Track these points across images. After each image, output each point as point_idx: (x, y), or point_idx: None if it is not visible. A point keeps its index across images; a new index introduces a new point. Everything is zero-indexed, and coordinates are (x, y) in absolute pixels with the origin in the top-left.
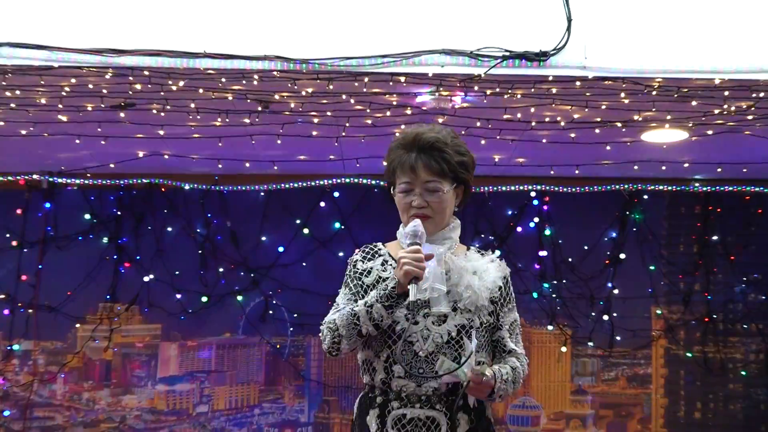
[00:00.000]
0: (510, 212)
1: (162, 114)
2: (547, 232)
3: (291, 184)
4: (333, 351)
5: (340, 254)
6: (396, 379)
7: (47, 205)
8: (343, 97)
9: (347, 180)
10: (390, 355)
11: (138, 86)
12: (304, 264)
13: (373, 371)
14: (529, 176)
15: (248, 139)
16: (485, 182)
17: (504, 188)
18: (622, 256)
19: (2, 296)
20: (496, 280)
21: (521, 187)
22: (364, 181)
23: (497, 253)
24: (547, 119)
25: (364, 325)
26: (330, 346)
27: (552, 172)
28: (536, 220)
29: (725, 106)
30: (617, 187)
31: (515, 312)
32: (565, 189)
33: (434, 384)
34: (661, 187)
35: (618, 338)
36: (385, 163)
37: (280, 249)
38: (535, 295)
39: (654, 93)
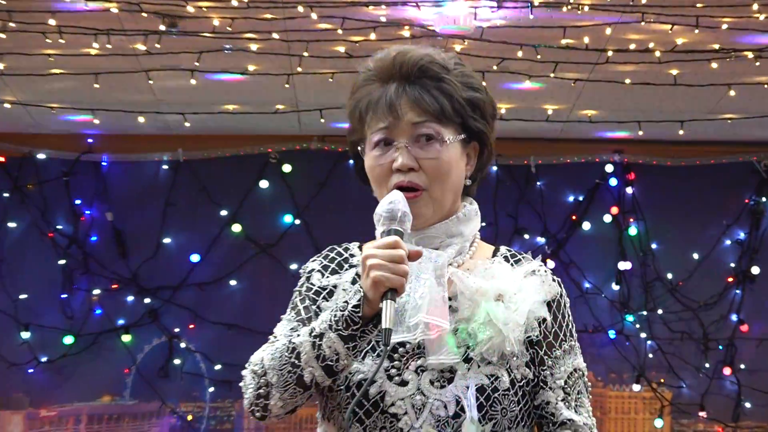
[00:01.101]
0: (571, 198)
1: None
2: (633, 230)
3: (213, 152)
4: (257, 409)
5: (293, 266)
6: None
7: None
8: (300, 9)
9: (304, 145)
10: None
11: None
12: (233, 282)
13: None
14: (604, 140)
15: (143, 77)
16: (532, 149)
17: (562, 159)
18: (755, 270)
19: None
20: (536, 306)
21: (590, 158)
22: (333, 146)
23: (541, 263)
24: (632, 46)
25: (308, 369)
26: (253, 402)
27: (640, 133)
28: (614, 211)
29: None
30: (747, 157)
31: (576, 357)
32: (661, 161)
33: None
34: None
35: (747, 405)
36: (347, 111)
37: (194, 258)
38: (612, 333)
39: None
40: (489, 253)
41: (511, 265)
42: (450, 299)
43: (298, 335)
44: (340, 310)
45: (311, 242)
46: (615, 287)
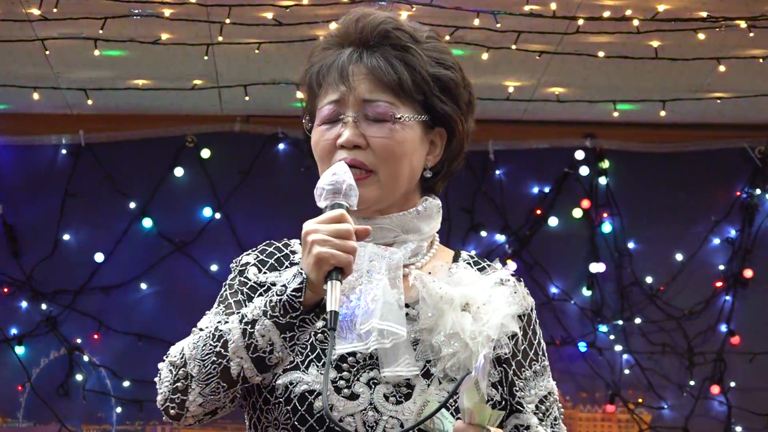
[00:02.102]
0: (536, 189)
1: None
2: (607, 227)
3: (119, 135)
4: (172, 406)
5: (213, 267)
6: None
7: None
8: None
9: (226, 127)
10: None
11: None
12: (143, 286)
13: None
14: (573, 122)
15: (37, 47)
16: (490, 133)
17: (525, 144)
18: (748, 273)
19: None
20: (507, 320)
21: (557, 143)
22: (260, 129)
23: (511, 267)
24: (606, 14)
25: (236, 359)
26: (167, 397)
27: (615, 115)
28: (585, 204)
29: None
30: (738, 143)
31: (549, 380)
32: (639, 147)
33: None
34: None
35: (738, 429)
36: (301, 80)
37: (99, 257)
38: (582, 346)
39: None
40: (449, 258)
41: (479, 270)
42: (407, 305)
43: (227, 323)
44: (277, 294)
45: (234, 240)
46: (586, 293)
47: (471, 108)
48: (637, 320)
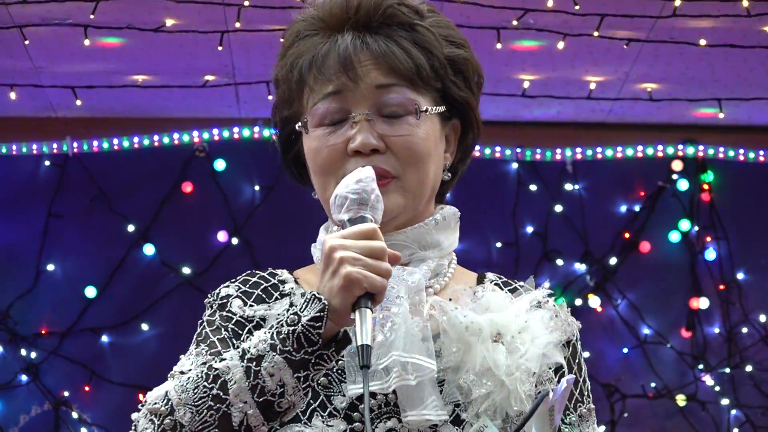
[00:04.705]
0: (623, 208)
1: None
2: (711, 254)
3: (115, 141)
4: None
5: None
6: None
7: None
8: None
9: (246, 132)
10: None
11: None
12: (144, 326)
13: None
14: (669, 125)
15: (15, 36)
16: (568, 139)
17: (610, 153)
18: None
19: None
20: (549, 349)
21: (650, 151)
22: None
23: (548, 291)
24: None
25: (238, 405)
26: None
27: (721, 116)
28: (684, 226)
29: None
30: None
31: (593, 426)
32: (751, 155)
33: None
34: None
35: None
36: (276, 77)
37: (90, 292)
38: (682, 399)
39: None
40: (472, 281)
41: (510, 292)
42: (430, 337)
43: (223, 360)
44: (289, 324)
45: (255, 269)
46: (685, 334)
47: (480, 91)
48: (748, 368)
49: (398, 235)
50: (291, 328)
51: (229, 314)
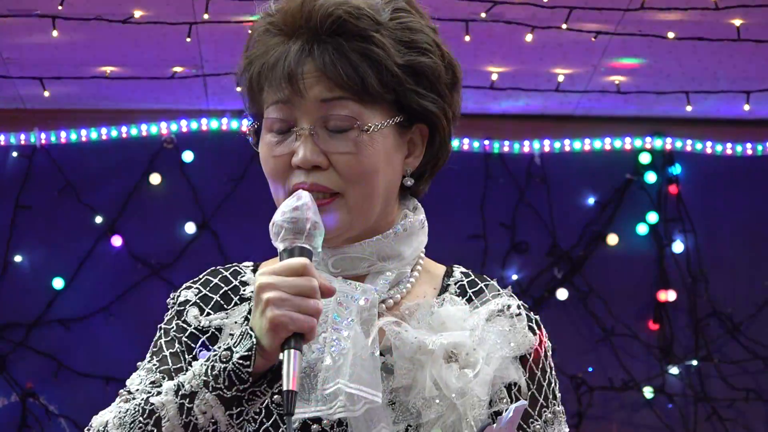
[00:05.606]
0: (591, 200)
1: None
2: (678, 246)
3: (83, 133)
4: None
5: None
6: None
7: None
8: None
9: (214, 124)
10: None
11: None
12: (112, 318)
13: None
14: (637, 118)
15: None
16: (536, 132)
17: (578, 146)
18: None
19: None
20: (504, 366)
21: (618, 143)
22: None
23: (511, 295)
24: None
25: None
26: None
27: (689, 109)
28: (652, 219)
29: None
30: None
31: (562, 426)
32: (718, 148)
33: None
34: None
35: None
36: (237, 72)
37: (57, 283)
38: (649, 392)
39: None
40: (437, 281)
41: (468, 298)
42: (382, 354)
43: (159, 393)
44: (222, 361)
45: (222, 261)
46: (653, 327)
47: (456, 89)
48: (715, 360)
49: (354, 248)
50: (223, 366)
51: (184, 324)
